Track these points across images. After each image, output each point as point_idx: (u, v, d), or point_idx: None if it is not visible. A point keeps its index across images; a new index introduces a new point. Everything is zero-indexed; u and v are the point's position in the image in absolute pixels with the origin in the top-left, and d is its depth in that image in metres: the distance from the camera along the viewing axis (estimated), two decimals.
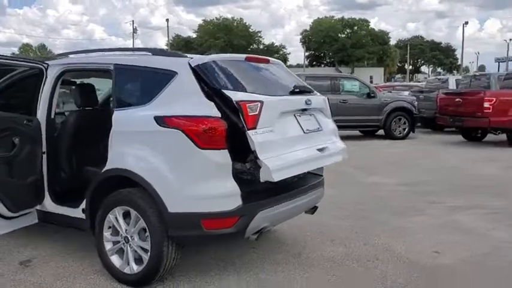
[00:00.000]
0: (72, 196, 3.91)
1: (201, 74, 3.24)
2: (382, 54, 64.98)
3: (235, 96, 3.13)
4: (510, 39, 70.64)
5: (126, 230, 3.35)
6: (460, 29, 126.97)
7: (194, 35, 64.13)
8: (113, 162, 3.38)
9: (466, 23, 66.88)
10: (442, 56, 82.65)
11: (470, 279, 3.51)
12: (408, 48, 70.75)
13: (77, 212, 3.70)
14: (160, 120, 3.17)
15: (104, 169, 3.43)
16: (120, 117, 3.40)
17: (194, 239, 3.23)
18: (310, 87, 4.09)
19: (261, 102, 3.19)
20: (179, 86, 3.26)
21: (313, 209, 4.00)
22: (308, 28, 67.03)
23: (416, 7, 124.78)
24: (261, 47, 63.57)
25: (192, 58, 3.38)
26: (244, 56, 3.65)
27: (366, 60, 64.71)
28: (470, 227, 4.82)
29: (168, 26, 54.92)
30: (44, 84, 3.85)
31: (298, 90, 3.80)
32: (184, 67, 3.29)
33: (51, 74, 3.88)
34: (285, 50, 63.99)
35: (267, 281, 3.47)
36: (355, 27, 64.71)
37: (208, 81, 3.22)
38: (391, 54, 67.51)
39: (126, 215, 3.38)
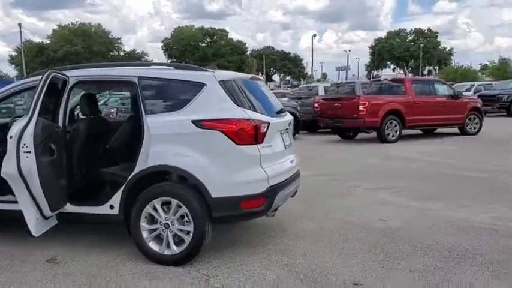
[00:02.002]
0: (90, 196, 4.32)
1: (226, 86, 4.00)
2: (240, 63, 68.39)
3: (252, 115, 3.96)
4: (349, 50, 79.77)
5: (166, 217, 3.92)
6: (302, 40, 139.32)
7: (47, 41, 59.95)
8: (154, 160, 3.92)
9: (314, 35, 74.04)
10: (291, 65, 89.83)
11: (414, 233, 4.78)
12: (264, 58, 75.43)
13: (103, 209, 4.13)
14: (199, 124, 3.85)
15: (142, 167, 3.95)
16: (156, 122, 3.97)
17: (232, 217, 3.98)
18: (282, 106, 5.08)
19: (269, 123, 4.06)
20: (209, 95, 3.97)
21: (294, 193, 4.95)
22: (169, 36, 67.58)
23: (263, 18, 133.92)
24: (122, 53, 62.06)
25: (214, 72, 4.11)
26: (249, 75, 4.46)
27: (225, 69, 67.32)
28: (393, 201, 6.24)
29: (20, 31, 50.39)
30: (64, 93, 4.19)
31: (280, 110, 4.74)
32: (211, 80, 4.00)
33: (68, 84, 4.23)
34: (146, 57, 63.36)
35: (276, 250, 4.32)
36: (215, 37, 67.06)
37: (232, 94, 3.99)
38: (249, 63, 71.43)
39: (163, 205, 3.95)
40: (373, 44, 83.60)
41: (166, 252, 3.94)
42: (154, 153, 3.93)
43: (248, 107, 4.02)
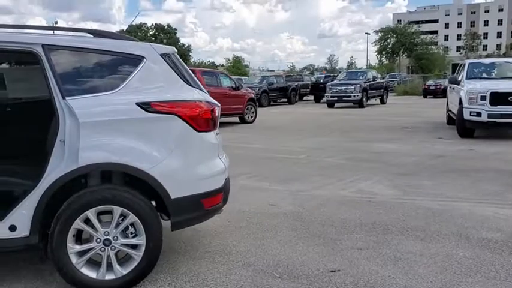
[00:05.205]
0: None
1: (170, 61, 3.26)
2: None
3: (206, 97, 3.36)
4: None
5: (105, 232, 2.97)
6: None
7: None
8: (89, 158, 2.88)
9: (56, 22, 67.44)
10: None
11: (315, 214, 4.90)
12: None
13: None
14: (148, 106, 3.03)
15: (68, 169, 2.87)
16: (84, 107, 2.93)
17: (193, 220, 3.28)
18: None
19: (219, 106, 3.48)
20: (151, 71, 3.17)
21: None
22: None
23: None
24: None
25: (150, 44, 3.29)
26: (173, 48, 3.69)
27: None
28: (257, 186, 6.26)
29: None
30: None
31: None
32: (151, 52, 3.20)
33: None
34: None
35: (214, 251, 3.82)
36: None
37: (178, 70, 3.29)
38: None
39: (98, 215, 2.99)
40: None
41: (108, 277, 3.00)
42: (88, 148, 2.90)
43: (196, 86, 3.38)
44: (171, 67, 3.24)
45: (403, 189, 6.00)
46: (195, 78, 3.48)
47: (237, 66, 60.92)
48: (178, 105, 3.12)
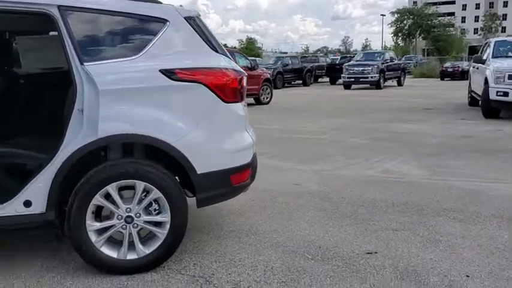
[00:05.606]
0: None
1: (195, 25, 3.01)
2: None
3: (233, 64, 3.10)
4: None
5: (127, 208, 2.77)
6: None
7: None
8: (110, 128, 2.67)
9: None
10: None
11: (342, 193, 4.66)
12: None
13: (10, 209, 2.69)
14: (172, 74, 2.79)
15: (87, 141, 2.66)
16: (104, 73, 2.70)
17: (220, 197, 3.07)
18: None
19: (246, 75, 3.21)
20: (175, 35, 2.92)
21: None
22: None
23: None
24: None
25: (173, 6, 3.04)
26: (197, 11, 3.44)
27: None
28: (279, 166, 6.04)
29: None
30: None
31: None
32: (175, 15, 2.95)
33: None
34: None
35: (239, 230, 3.62)
36: None
37: (203, 35, 3.04)
38: None
39: (120, 191, 2.78)
40: None
41: (130, 256, 2.81)
42: (108, 118, 2.68)
43: (222, 53, 3.12)
44: (196, 31, 2.98)
45: (431, 169, 5.72)
46: (220, 43, 3.23)
47: (250, 48, 60.25)
48: (203, 72, 2.87)
